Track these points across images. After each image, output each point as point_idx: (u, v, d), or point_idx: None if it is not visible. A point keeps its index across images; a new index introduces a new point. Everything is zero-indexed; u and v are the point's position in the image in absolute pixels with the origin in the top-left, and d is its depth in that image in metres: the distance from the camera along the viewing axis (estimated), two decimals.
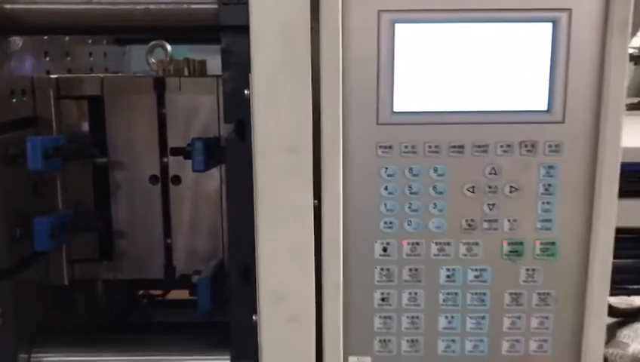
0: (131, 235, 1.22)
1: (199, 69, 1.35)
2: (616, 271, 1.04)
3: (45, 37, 1.19)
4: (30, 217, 1.11)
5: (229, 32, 1.02)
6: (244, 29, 1.02)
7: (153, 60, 1.33)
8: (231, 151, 1.06)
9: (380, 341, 0.86)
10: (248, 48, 1.03)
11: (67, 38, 1.28)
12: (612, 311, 1.58)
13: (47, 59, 1.20)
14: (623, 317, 1.60)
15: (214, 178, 1.20)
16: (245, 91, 0.85)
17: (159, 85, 1.18)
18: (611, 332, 1.56)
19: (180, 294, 1.68)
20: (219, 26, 1.02)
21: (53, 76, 1.16)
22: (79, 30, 1.15)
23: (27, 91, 1.12)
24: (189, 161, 1.14)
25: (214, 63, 1.44)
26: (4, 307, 1.06)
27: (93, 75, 1.38)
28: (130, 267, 1.24)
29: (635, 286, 1.31)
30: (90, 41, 1.39)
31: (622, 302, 1.63)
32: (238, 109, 1.04)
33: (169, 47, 1.31)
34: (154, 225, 1.22)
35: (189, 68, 1.29)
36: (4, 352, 1.09)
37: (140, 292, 1.66)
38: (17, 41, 1.09)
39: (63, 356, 1.15)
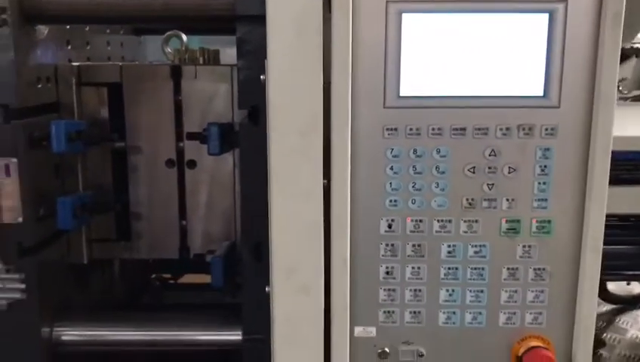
0: (148, 217, 1.29)
1: (213, 58, 1.42)
2: (613, 257, 1.10)
3: (68, 26, 1.25)
4: (52, 198, 1.17)
5: (245, 21, 1.08)
6: (259, 19, 1.09)
7: (169, 50, 1.40)
8: (245, 135, 1.12)
9: (385, 312, 0.92)
10: (263, 37, 1.09)
11: (87, 28, 1.34)
12: (612, 297, 1.63)
13: (70, 47, 1.27)
14: (622, 304, 1.66)
15: (228, 162, 1.27)
16: (261, 77, 0.91)
17: (176, 73, 1.24)
18: (611, 318, 1.62)
19: (192, 278, 1.75)
20: (235, 16, 1.09)
21: (75, 64, 1.23)
22: (101, 20, 1.21)
23: (51, 78, 1.19)
24: (204, 146, 1.20)
25: (225, 53, 1.51)
26: (27, 283, 1.13)
27: (112, 63, 1.45)
28: (147, 247, 1.31)
29: (631, 272, 1.36)
30: (108, 31, 1.46)
31: (621, 289, 1.68)
32: (252, 96, 1.11)
33: (184, 37, 1.37)
34: (169, 207, 1.28)
35: (203, 57, 1.36)
36: (27, 326, 1.16)
37: (153, 275, 1.73)
38: (43, 30, 1.15)
39: (83, 331, 1.22)
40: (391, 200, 0.89)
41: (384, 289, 0.91)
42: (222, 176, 1.28)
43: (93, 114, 1.25)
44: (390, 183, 0.89)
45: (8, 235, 1.12)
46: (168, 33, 1.38)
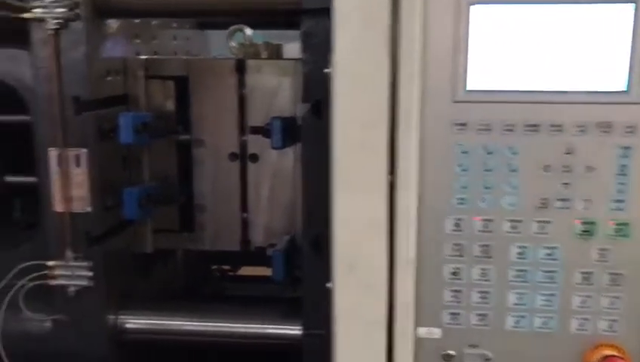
0: (210, 209, 1.30)
1: (276, 53, 1.42)
2: None
3: (136, 20, 1.28)
4: (119, 188, 1.20)
5: (310, 14, 1.07)
6: (324, 12, 1.07)
7: (233, 44, 1.40)
8: (308, 129, 1.11)
9: (450, 314, 0.89)
10: (328, 31, 1.07)
11: (154, 22, 1.36)
12: None
13: (138, 41, 1.29)
14: None
15: (289, 156, 1.26)
16: (325, 70, 0.89)
17: (240, 67, 1.24)
18: None
19: (251, 270, 1.76)
20: (300, 9, 1.07)
21: (142, 57, 1.25)
22: (170, 13, 1.23)
23: (120, 71, 1.21)
24: (267, 140, 1.20)
25: (287, 48, 1.50)
26: (95, 271, 1.15)
27: (178, 57, 1.47)
28: (209, 239, 1.32)
29: None
30: (174, 25, 1.48)
31: None
32: (315, 89, 1.09)
33: (249, 31, 1.37)
34: (232, 200, 1.29)
35: (267, 51, 1.35)
36: (94, 313, 1.19)
37: (214, 266, 1.75)
38: (113, 25, 1.18)
39: (146, 319, 1.24)
40: (459, 199, 0.86)
41: (450, 290, 0.88)
42: (284, 169, 1.27)
43: (159, 106, 1.27)
44: (458, 181, 0.86)
45: (77, 224, 1.15)
46: (233, 27, 1.38)
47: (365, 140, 0.84)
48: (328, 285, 0.92)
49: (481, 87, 0.84)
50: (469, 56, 0.83)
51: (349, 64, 0.83)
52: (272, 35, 1.46)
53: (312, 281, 1.14)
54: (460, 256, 0.87)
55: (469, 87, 0.84)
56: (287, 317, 1.21)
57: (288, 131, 1.16)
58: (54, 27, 1.06)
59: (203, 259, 1.66)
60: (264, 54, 1.36)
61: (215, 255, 1.62)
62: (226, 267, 1.75)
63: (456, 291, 0.88)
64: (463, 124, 0.84)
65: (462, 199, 0.86)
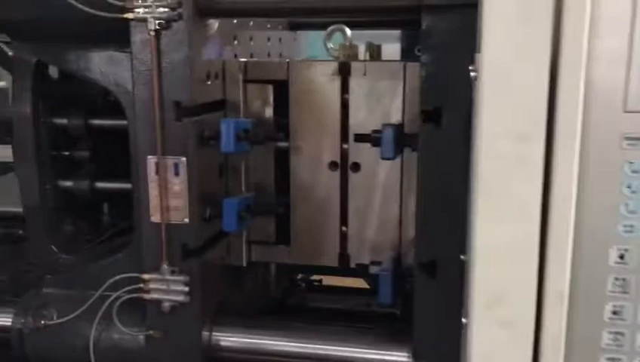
0: (308, 220, 1.17)
1: (377, 54, 1.28)
2: None
3: (235, 21, 1.17)
4: (217, 199, 1.09)
5: (431, 11, 0.93)
6: (447, 8, 0.93)
7: (331, 45, 1.27)
8: (425, 138, 0.98)
9: (608, 359, 0.73)
10: (451, 29, 0.93)
11: (251, 23, 1.25)
12: None
13: (236, 42, 1.18)
14: None
15: (394, 166, 1.12)
16: (470, 68, 0.75)
17: (344, 69, 1.11)
18: None
19: (337, 280, 1.64)
20: (419, 6, 0.94)
21: (242, 60, 1.14)
22: (274, 13, 1.11)
23: (219, 74, 1.10)
24: (369, 148, 1.07)
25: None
26: (191, 285, 1.05)
27: (279, 59, 1.35)
28: (305, 252, 1.19)
29: None
30: (268, 26, 1.36)
31: None
32: (435, 94, 0.96)
33: (349, 32, 1.24)
34: (331, 211, 1.16)
35: (369, 52, 1.22)
36: (189, 329, 1.09)
37: (299, 275, 1.64)
38: (213, 25, 1.07)
39: (242, 337, 1.13)
40: (626, 226, 0.70)
41: (609, 332, 0.72)
42: (388, 181, 1.14)
43: (257, 112, 1.16)
44: (626, 204, 0.70)
45: (174, 236, 1.05)
46: (332, 27, 1.26)
47: (518, 155, 0.69)
48: (463, 321, 0.78)
49: None
50: None
51: (500, 65, 0.69)
52: (363, 37, 1.33)
53: (424, 309, 1.01)
54: (624, 292, 0.71)
55: None
56: (391, 342, 1.08)
57: (397, 139, 1.02)
58: (156, 27, 0.97)
59: (291, 269, 1.55)
60: (366, 56, 1.23)
61: (314, 267, 1.50)
62: (313, 277, 1.63)
63: (617, 333, 0.72)
64: (636, 139, 0.68)
65: (630, 226, 0.70)
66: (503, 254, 0.72)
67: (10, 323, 1.14)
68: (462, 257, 0.93)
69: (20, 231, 1.51)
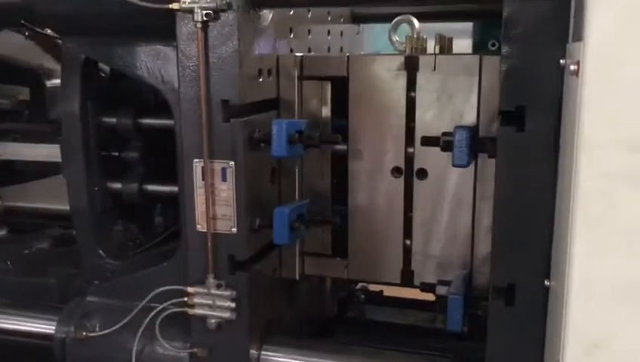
0: (367, 232, 1.05)
1: (448, 48, 1.14)
2: None
3: (291, 12, 1.06)
4: (267, 207, 0.99)
5: None
6: None
7: (396, 38, 1.15)
8: (505, 143, 0.83)
9: None
10: (536, 16, 0.80)
11: (310, 15, 1.14)
12: None
13: (292, 36, 1.07)
14: None
15: (466, 174, 0.99)
16: (561, 61, 0.61)
17: (411, 64, 0.99)
18: None
19: (396, 291, 1.51)
20: None
21: (298, 55, 1.03)
22: (333, 2, 1.00)
23: (272, 70, 1.00)
24: (437, 153, 0.94)
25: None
26: (238, 300, 0.96)
27: (338, 54, 1.24)
28: (364, 267, 1.08)
29: None
30: (329, 18, 1.25)
31: None
32: (517, 92, 0.81)
33: (417, 22, 1.11)
34: (393, 222, 1.04)
35: (441, 45, 1.09)
36: (236, 349, 0.99)
37: (357, 286, 1.52)
38: (266, 16, 0.97)
39: (293, 359, 1.02)
40: None
41: None
42: (458, 190, 1.00)
43: (314, 112, 1.05)
44: None
45: (221, 247, 0.96)
46: (397, 19, 1.13)
47: (630, 170, 0.55)
48: None
49: None
50: None
51: (610, 56, 0.54)
52: (430, 32, 1.19)
53: (498, 341, 0.87)
54: None
55: None
56: None
57: (471, 144, 0.88)
58: (203, 19, 0.87)
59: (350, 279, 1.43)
60: (436, 49, 1.09)
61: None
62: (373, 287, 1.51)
63: None
64: None
65: None
66: (610, 291, 0.58)
67: (53, 331, 1.08)
68: (546, 283, 0.80)
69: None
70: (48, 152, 1.34)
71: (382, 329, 1.41)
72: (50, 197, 1.45)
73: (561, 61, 0.73)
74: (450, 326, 0.91)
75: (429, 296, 1.30)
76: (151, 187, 1.18)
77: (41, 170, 1.46)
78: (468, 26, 1.45)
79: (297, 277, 1.09)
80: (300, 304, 1.21)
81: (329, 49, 1.25)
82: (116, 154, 1.19)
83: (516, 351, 0.86)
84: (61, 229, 1.49)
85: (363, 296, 1.50)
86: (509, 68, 0.81)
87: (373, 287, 1.52)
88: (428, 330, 1.39)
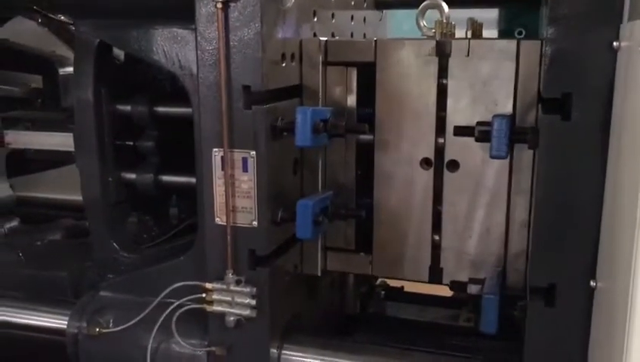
0: (393, 226, 1.00)
1: (479, 33, 1.08)
2: None
3: None
4: (290, 199, 0.94)
5: None
6: None
7: (424, 23, 1.08)
8: (548, 133, 0.77)
9: None
10: None
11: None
12: None
13: (316, 20, 1.01)
14: None
15: (500, 166, 0.93)
16: (614, 43, 0.55)
17: (442, 49, 0.92)
18: None
19: (417, 286, 1.45)
20: None
21: (322, 39, 0.97)
22: None
23: (295, 55, 0.94)
24: (470, 143, 0.88)
25: None
26: (258, 297, 0.91)
27: (364, 39, 1.18)
28: (390, 263, 1.02)
29: None
30: (352, 3, 1.19)
31: None
32: (564, 78, 0.75)
33: (446, 7, 1.05)
34: (421, 217, 0.98)
35: (473, 30, 1.02)
36: (255, 347, 0.94)
37: (377, 281, 1.46)
38: None
39: (314, 358, 0.97)
40: None
41: None
42: (491, 183, 0.94)
43: (339, 100, 0.99)
44: None
45: (241, 241, 0.91)
46: (425, 3, 1.07)
47: None
48: None
49: None
50: None
51: None
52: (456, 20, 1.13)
53: (537, 345, 0.81)
54: None
55: None
56: None
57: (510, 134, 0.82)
58: None
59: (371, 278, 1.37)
60: (469, 33, 1.03)
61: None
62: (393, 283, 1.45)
63: None
64: None
65: None
66: None
67: (65, 327, 1.04)
68: (591, 283, 0.74)
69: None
70: (61, 141, 1.29)
71: (404, 326, 1.35)
72: (63, 188, 1.41)
73: (615, 43, 0.67)
74: (485, 328, 0.85)
75: (448, 291, 1.25)
76: (166, 178, 1.13)
77: (54, 160, 1.41)
78: (492, 15, 1.39)
79: (319, 273, 1.03)
80: (322, 301, 1.16)
81: (352, 35, 1.19)
82: (131, 143, 1.14)
83: (556, 353, 0.81)
84: (74, 220, 1.45)
85: (383, 292, 1.44)
86: (554, 52, 0.74)
87: (393, 283, 1.47)
88: (450, 328, 1.34)
